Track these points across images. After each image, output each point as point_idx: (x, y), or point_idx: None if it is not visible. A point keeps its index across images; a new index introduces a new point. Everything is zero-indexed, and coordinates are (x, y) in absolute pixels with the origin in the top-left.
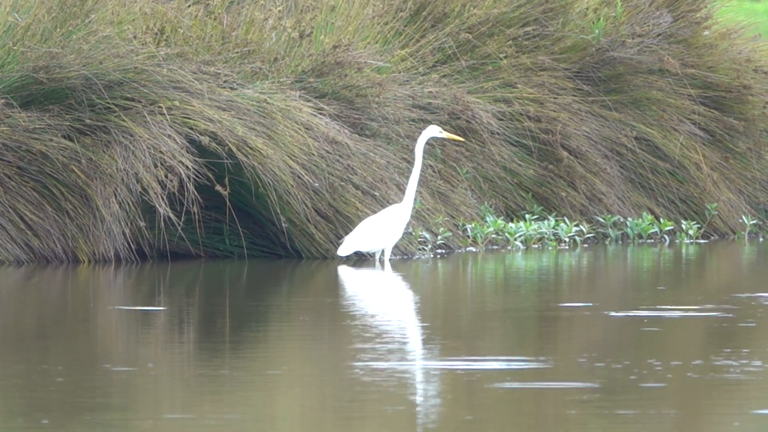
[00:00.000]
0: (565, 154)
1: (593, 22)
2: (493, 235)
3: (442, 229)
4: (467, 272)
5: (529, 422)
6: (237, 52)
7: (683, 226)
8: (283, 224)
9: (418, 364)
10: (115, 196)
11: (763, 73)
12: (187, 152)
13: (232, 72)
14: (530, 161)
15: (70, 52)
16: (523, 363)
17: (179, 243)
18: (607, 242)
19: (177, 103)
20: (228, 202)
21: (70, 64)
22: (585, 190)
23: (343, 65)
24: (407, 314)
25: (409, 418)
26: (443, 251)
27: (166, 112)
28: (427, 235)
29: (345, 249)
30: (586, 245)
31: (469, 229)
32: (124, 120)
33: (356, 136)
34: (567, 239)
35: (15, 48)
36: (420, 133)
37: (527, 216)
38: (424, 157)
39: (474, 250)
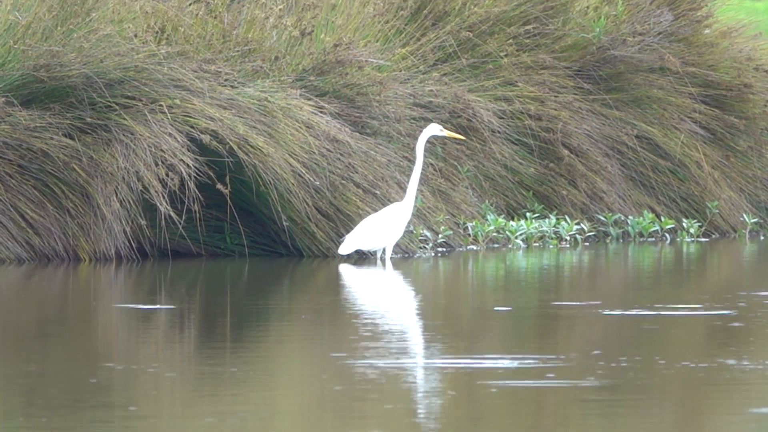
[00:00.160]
0: (566, 152)
1: (594, 21)
2: (494, 234)
3: (443, 227)
4: (468, 271)
5: (529, 421)
6: (238, 51)
7: (684, 225)
8: (284, 223)
9: (419, 363)
10: (116, 195)
11: (764, 72)
12: (188, 150)
13: (232, 70)
14: (531, 159)
15: (70, 50)
16: (524, 361)
17: (180, 241)
18: (608, 241)
19: (178, 101)
20: (229, 201)
21: (71, 63)
22: (586, 189)
23: (343, 64)
24: (408, 313)
25: (410, 417)
26: (444, 250)
27: (167, 110)
28: (428, 234)
29: (346, 247)
30: (587, 244)
31: (470, 228)
32: (124, 118)
33: (357, 134)
34: (568, 238)
35: (16, 46)
36: (421, 131)
37: (528, 214)
38: (425, 156)
39: (475, 248)
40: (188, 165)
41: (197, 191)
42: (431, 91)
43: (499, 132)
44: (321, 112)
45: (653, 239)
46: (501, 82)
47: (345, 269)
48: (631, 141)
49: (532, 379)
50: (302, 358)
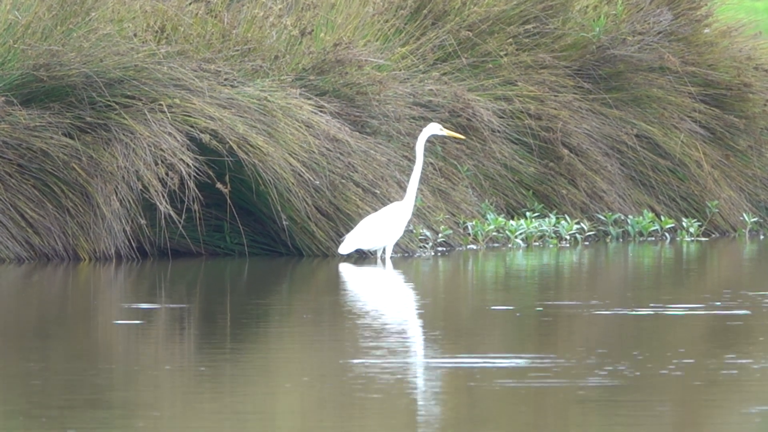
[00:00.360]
0: (566, 151)
1: (594, 20)
2: (494, 233)
3: (442, 226)
4: (468, 270)
5: (530, 420)
6: (237, 50)
7: (684, 224)
8: (284, 222)
9: (419, 362)
10: (116, 194)
11: (764, 71)
12: (188, 150)
13: (232, 70)
14: (531, 159)
15: (70, 50)
16: (524, 361)
17: (180, 241)
18: (607, 240)
19: (177, 100)
20: (229, 200)
21: (71, 62)
22: (586, 188)
23: (343, 63)
24: (408, 312)
25: (410, 416)
26: (444, 249)
27: (166, 109)
28: (428, 233)
29: (346, 247)
30: (586, 243)
31: (470, 227)
32: (124, 118)
33: (357, 133)
34: (568, 237)
35: (16, 46)
36: (421, 130)
37: (528, 214)
38: (425, 155)
39: (475, 247)
40: (188, 164)
41: (197, 190)
42: (431, 90)
43: (498, 131)
44: (321, 111)
45: (653, 239)
46: (501, 82)
47: (345, 269)
48: (630, 140)
49: (533, 379)
50: (302, 357)
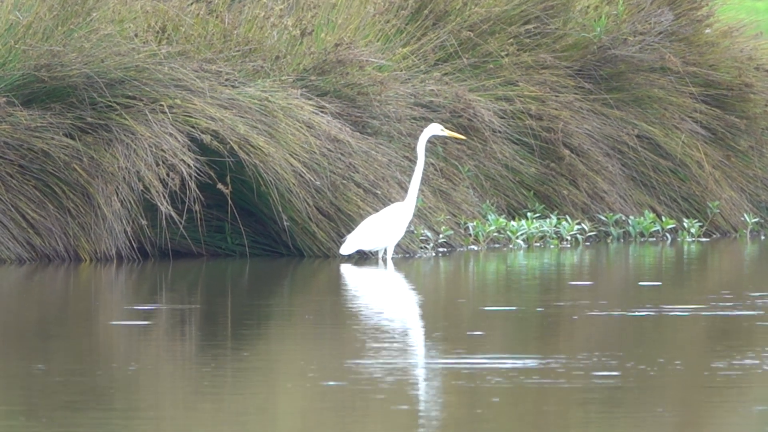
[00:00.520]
0: (567, 152)
1: (594, 20)
2: (495, 234)
3: (443, 227)
4: (469, 271)
5: (530, 421)
6: (238, 51)
7: (685, 225)
8: (285, 223)
9: (420, 363)
10: (117, 195)
11: (765, 71)
12: (189, 150)
13: (233, 70)
14: (532, 159)
15: (71, 50)
16: (525, 361)
17: (181, 241)
18: (608, 240)
19: (178, 101)
20: (230, 201)
21: (72, 63)
22: (587, 188)
23: (344, 63)
24: (409, 313)
25: (411, 416)
26: (445, 250)
27: (167, 110)
28: (429, 234)
29: (347, 247)
30: (587, 243)
31: (470, 228)
32: (125, 118)
33: (358, 134)
34: (569, 237)
35: (17, 46)
36: (422, 131)
37: (529, 214)
38: (426, 156)
39: (476, 248)
40: (189, 165)
41: (198, 191)
42: (432, 90)
43: (499, 132)
44: (322, 111)
45: (654, 239)
46: (502, 82)
47: (346, 269)
48: (632, 141)
49: (533, 379)
50: (304, 358)
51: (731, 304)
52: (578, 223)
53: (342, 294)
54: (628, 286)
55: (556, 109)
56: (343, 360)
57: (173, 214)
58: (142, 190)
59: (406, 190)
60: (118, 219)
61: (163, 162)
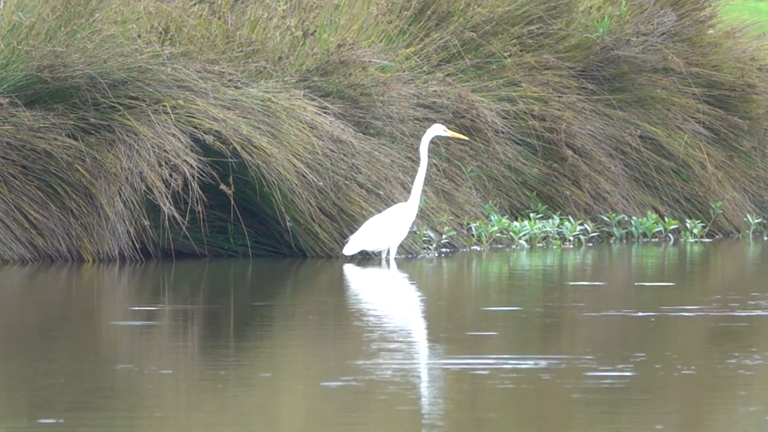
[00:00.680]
0: (570, 152)
1: (597, 21)
2: (498, 234)
3: (446, 228)
4: (472, 271)
5: (533, 421)
6: (241, 51)
7: (688, 225)
8: (288, 223)
9: (423, 363)
10: (120, 195)
11: None
12: (192, 151)
13: (236, 71)
14: (535, 160)
15: (74, 51)
16: (528, 362)
17: (184, 242)
18: (611, 241)
19: (181, 102)
20: (232, 201)
21: (75, 63)
22: (589, 189)
23: (347, 64)
24: (412, 313)
25: (414, 417)
26: (448, 250)
27: (170, 111)
28: (432, 234)
29: (350, 248)
30: (590, 244)
31: (473, 228)
32: (128, 119)
33: (361, 135)
34: (571, 238)
35: (19, 47)
36: (424, 132)
37: (532, 215)
38: (428, 156)
39: (478, 249)
40: (192, 165)
41: (201, 192)
42: (435, 91)
43: (502, 132)
44: (324, 112)
45: (657, 240)
46: (504, 83)
47: (349, 270)
48: (634, 141)
49: (535, 380)
50: (307, 358)
51: (734, 304)
52: (581, 224)
53: (345, 294)
54: (631, 286)
55: (559, 110)
56: (346, 360)
57: (176, 214)
58: (144, 191)
59: (409, 191)
60: (120, 219)
61: (165, 162)
